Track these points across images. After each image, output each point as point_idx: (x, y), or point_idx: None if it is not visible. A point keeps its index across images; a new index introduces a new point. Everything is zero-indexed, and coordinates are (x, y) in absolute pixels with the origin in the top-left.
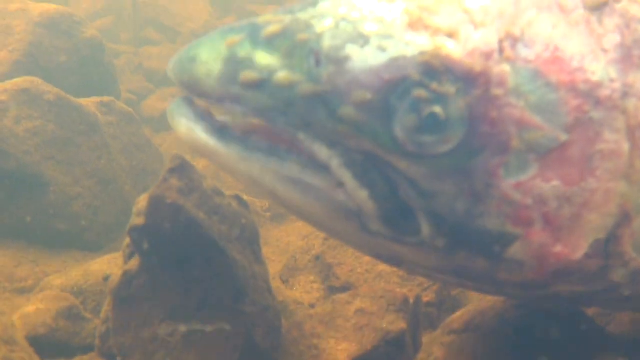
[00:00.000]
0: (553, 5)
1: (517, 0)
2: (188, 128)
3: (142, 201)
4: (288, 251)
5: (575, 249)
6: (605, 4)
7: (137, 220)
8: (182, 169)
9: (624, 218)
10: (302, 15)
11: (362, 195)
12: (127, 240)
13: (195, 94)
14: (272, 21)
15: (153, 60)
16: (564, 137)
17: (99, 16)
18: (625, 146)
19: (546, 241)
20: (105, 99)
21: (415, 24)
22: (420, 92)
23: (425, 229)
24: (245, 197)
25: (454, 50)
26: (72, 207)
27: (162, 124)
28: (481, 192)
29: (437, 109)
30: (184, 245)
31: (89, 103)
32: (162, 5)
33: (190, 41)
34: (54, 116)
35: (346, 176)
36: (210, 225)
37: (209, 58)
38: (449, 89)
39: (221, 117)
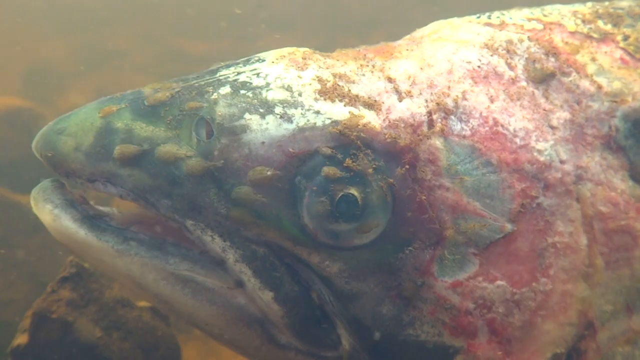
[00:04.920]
0: (491, 76)
1: (449, 70)
2: (53, 216)
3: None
4: None
5: None
6: (551, 77)
7: (20, 339)
8: (78, 277)
9: (587, 328)
10: (197, 82)
11: (266, 297)
12: None
13: (62, 172)
14: (160, 88)
15: None
16: (508, 227)
17: None
18: (582, 240)
19: (494, 356)
20: None
21: (328, 92)
22: (331, 170)
23: (346, 340)
24: None
25: (373, 121)
26: (4, 313)
27: None
28: (411, 294)
29: (353, 191)
30: None
31: None
32: None
33: None
34: None
35: (245, 273)
36: (108, 344)
37: (79, 129)
38: (367, 166)
39: (105, 208)
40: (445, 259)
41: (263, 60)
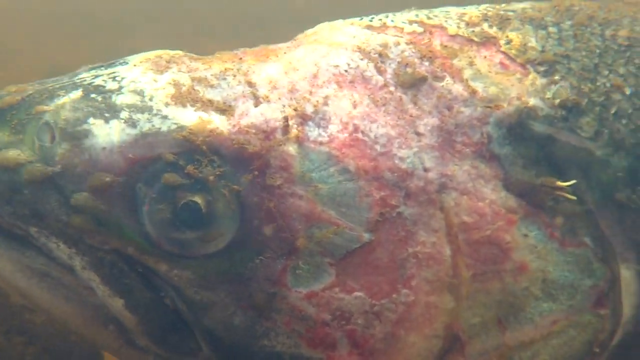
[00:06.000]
0: (358, 81)
1: (314, 74)
2: None
3: None
4: None
5: None
6: (422, 81)
7: None
8: None
9: (454, 341)
10: (52, 86)
11: (116, 304)
12: None
13: None
14: (15, 92)
15: None
16: (366, 236)
17: None
18: (446, 250)
19: None
20: None
21: (181, 97)
22: (171, 177)
23: (205, 348)
24: None
25: (222, 126)
26: None
27: None
28: (263, 305)
29: (196, 199)
30: None
31: None
32: None
33: None
34: None
35: (94, 280)
36: (6, 348)
37: None
38: (209, 173)
39: None
40: (300, 268)
41: (126, 63)
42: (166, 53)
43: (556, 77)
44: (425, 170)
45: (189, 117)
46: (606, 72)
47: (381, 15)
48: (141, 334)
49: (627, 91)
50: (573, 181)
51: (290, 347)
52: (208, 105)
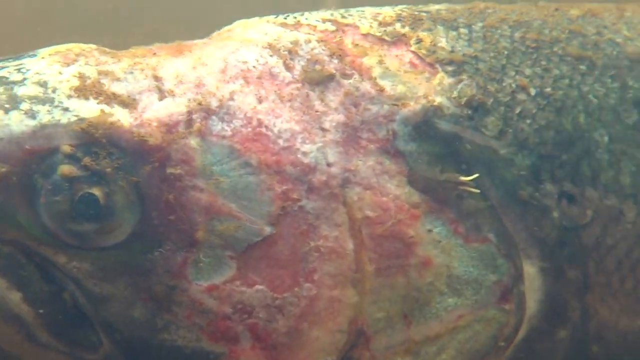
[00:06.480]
0: (265, 77)
1: (222, 70)
2: None
3: None
4: None
5: None
6: (330, 79)
7: None
8: None
9: (359, 336)
10: None
11: (14, 297)
12: None
13: None
14: None
15: None
16: (267, 230)
17: None
18: (349, 244)
19: None
20: None
21: (85, 89)
22: (66, 169)
23: (106, 342)
24: None
25: (123, 119)
26: None
27: None
28: (163, 297)
29: (94, 191)
30: None
31: None
32: None
33: None
34: None
35: None
36: None
37: None
38: (107, 165)
39: None
40: (201, 261)
41: (34, 56)
42: (77, 46)
43: (463, 77)
44: (329, 165)
45: (90, 110)
46: (513, 73)
47: (297, 14)
48: (40, 327)
49: (532, 92)
50: (475, 175)
51: (191, 340)
52: (112, 98)
